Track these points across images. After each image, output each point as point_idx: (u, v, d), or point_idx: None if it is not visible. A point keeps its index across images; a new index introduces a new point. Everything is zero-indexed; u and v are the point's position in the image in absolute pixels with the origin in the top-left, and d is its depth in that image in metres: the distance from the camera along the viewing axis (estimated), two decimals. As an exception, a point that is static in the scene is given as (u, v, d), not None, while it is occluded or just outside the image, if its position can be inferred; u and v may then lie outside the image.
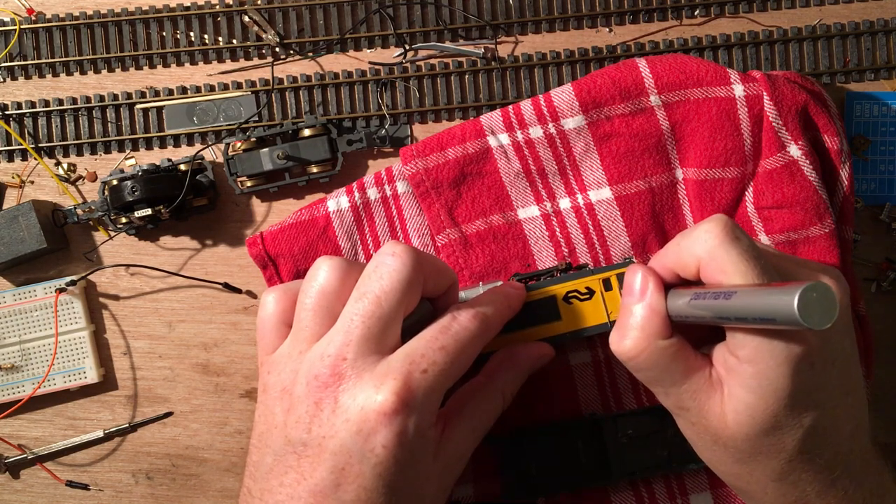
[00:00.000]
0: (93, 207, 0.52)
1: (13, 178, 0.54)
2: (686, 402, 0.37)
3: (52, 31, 0.54)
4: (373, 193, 0.50)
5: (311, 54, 0.54)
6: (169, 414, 0.53)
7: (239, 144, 0.52)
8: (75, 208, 0.52)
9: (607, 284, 0.43)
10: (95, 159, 0.54)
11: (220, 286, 0.53)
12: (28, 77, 0.54)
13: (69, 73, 0.54)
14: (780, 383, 0.34)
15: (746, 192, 0.48)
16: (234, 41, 0.54)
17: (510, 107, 0.50)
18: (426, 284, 0.39)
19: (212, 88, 0.54)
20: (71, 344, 0.52)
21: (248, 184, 0.52)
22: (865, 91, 0.52)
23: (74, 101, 0.54)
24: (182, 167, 0.51)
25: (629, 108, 0.48)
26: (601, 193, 0.49)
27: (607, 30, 0.54)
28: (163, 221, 0.51)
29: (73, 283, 0.51)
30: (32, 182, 0.54)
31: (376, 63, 0.53)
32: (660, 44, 0.53)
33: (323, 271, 0.38)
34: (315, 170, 0.52)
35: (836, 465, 0.37)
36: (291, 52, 0.54)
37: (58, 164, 0.54)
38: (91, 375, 0.52)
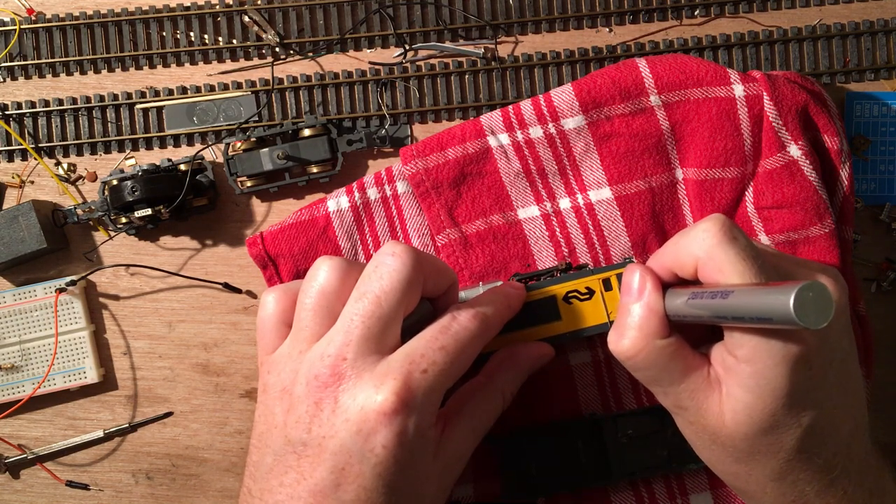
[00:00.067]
0: (93, 207, 0.52)
1: (13, 178, 0.54)
2: (684, 401, 0.37)
3: (52, 31, 0.54)
4: (373, 193, 0.50)
5: (311, 54, 0.54)
6: (169, 414, 0.53)
7: (239, 144, 0.52)
8: (75, 208, 0.52)
9: (607, 284, 0.43)
10: (95, 159, 0.54)
11: (220, 286, 0.53)
12: (28, 77, 0.54)
13: (69, 73, 0.54)
14: (778, 383, 0.34)
15: (746, 192, 0.48)
16: (234, 41, 0.54)
17: (510, 107, 0.50)
18: (426, 284, 0.39)
19: (212, 88, 0.54)
20: (71, 344, 0.52)
21: (248, 184, 0.52)
22: (865, 91, 0.52)
23: (74, 101, 0.54)
24: (182, 167, 0.51)
25: (629, 108, 0.48)
26: (601, 193, 0.49)
27: (607, 30, 0.54)
28: (163, 221, 0.51)
29: (73, 283, 0.51)
30: (32, 182, 0.54)
31: (376, 63, 0.53)
32: (660, 44, 0.53)
33: (323, 271, 0.38)
34: (315, 170, 0.52)
35: (835, 465, 0.37)
36: (291, 52, 0.54)
37: (58, 164, 0.54)
38: (91, 375, 0.52)
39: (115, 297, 0.53)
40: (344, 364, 0.36)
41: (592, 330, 0.44)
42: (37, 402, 0.52)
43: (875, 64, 0.53)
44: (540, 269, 0.49)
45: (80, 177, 0.54)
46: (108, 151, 0.54)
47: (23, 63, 0.54)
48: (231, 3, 0.54)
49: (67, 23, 0.54)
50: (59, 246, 0.52)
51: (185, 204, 0.51)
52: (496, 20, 0.53)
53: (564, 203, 0.49)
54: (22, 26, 0.54)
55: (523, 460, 0.46)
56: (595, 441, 0.46)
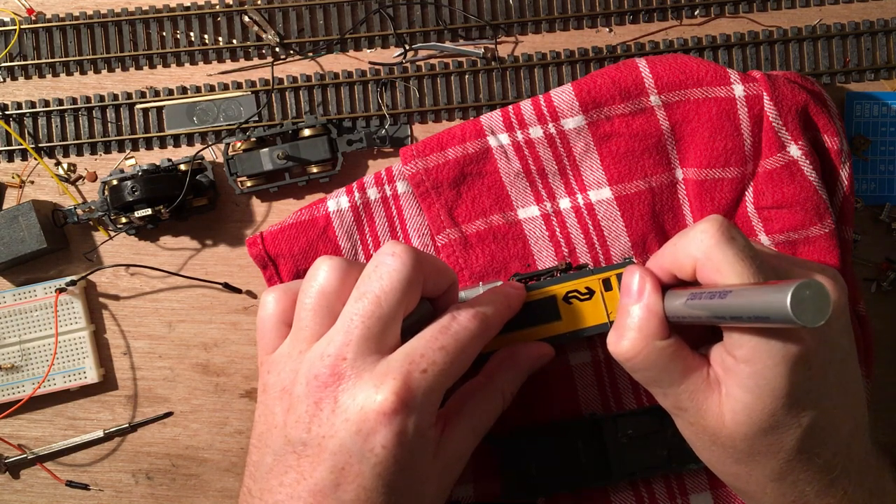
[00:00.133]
0: (93, 207, 0.52)
1: (13, 178, 0.54)
2: (684, 402, 0.37)
3: (52, 31, 0.54)
4: (373, 193, 0.50)
5: (311, 54, 0.54)
6: (169, 414, 0.53)
7: (239, 144, 0.52)
8: (75, 208, 0.52)
9: (607, 284, 0.43)
10: (95, 159, 0.54)
11: (220, 286, 0.53)
12: (28, 77, 0.54)
13: (69, 73, 0.54)
14: (778, 383, 0.34)
15: (746, 192, 0.48)
16: (234, 41, 0.54)
17: (510, 107, 0.50)
18: (426, 284, 0.39)
19: (212, 88, 0.54)
20: (71, 344, 0.52)
21: (248, 184, 0.52)
22: (865, 91, 0.52)
23: (74, 101, 0.54)
24: (182, 167, 0.51)
25: (629, 108, 0.48)
26: (601, 193, 0.49)
27: (607, 30, 0.54)
28: (163, 221, 0.51)
29: (73, 283, 0.51)
30: (32, 182, 0.54)
31: (376, 63, 0.53)
32: (660, 44, 0.53)
33: (323, 271, 0.38)
34: (315, 170, 0.52)
35: (835, 465, 0.37)
36: (291, 52, 0.54)
37: (58, 164, 0.54)
38: (91, 375, 0.52)
39: (115, 297, 0.53)
40: (344, 364, 0.36)
41: (592, 330, 0.44)
42: (37, 402, 0.52)
43: (875, 64, 0.53)
44: (540, 269, 0.49)
45: (80, 177, 0.54)
46: (108, 151, 0.54)
47: (23, 63, 0.54)
48: (231, 3, 0.54)
49: (67, 23, 0.54)
50: (59, 246, 0.52)
51: (185, 204, 0.51)
52: (496, 20, 0.53)
53: (564, 203, 0.49)
54: (22, 26, 0.54)
55: (523, 460, 0.46)
56: (595, 441, 0.46)
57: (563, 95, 0.48)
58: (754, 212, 0.48)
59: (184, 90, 0.54)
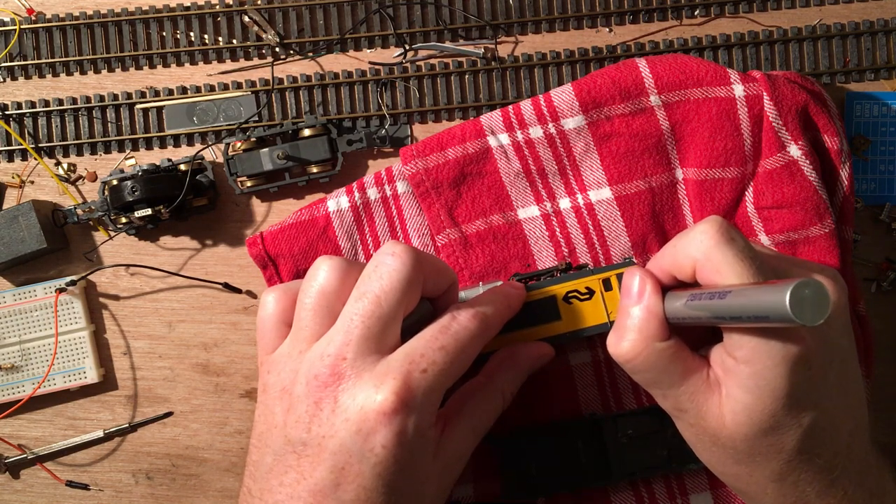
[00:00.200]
0: (93, 207, 0.52)
1: (13, 178, 0.54)
2: (684, 403, 0.37)
3: (52, 31, 0.54)
4: (373, 193, 0.50)
5: (311, 54, 0.54)
6: (169, 414, 0.53)
7: (239, 144, 0.52)
8: (75, 208, 0.52)
9: (607, 284, 0.43)
10: (95, 159, 0.54)
11: (220, 286, 0.53)
12: (28, 77, 0.54)
13: (69, 73, 0.54)
14: (778, 383, 0.34)
15: (746, 192, 0.48)
16: (234, 41, 0.54)
17: (510, 107, 0.50)
18: (426, 284, 0.39)
19: (212, 88, 0.54)
20: (71, 344, 0.52)
21: (248, 184, 0.52)
22: (865, 91, 0.52)
23: (74, 101, 0.54)
24: (182, 167, 0.51)
25: (629, 108, 0.48)
26: (601, 193, 0.49)
27: (607, 30, 0.54)
28: (163, 221, 0.51)
29: (73, 283, 0.51)
30: (32, 182, 0.54)
31: (376, 63, 0.53)
32: (660, 44, 0.53)
33: (323, 271, 0.38)
34: (315, 170, 0.52)
35: (835, 466, 0.37)
36: (291, 52, 0.54)
37: (58, 164, 0.54)
38: (91, 375, 0.52)
39: (115, 297, 0.53)
40: (344, 364, 0.36)
41: (592, 330, 0.43)
42: (37, 402, 0.52)
43: (875, 64, 0.53)
44: (540, 269, 0.49)
45: (80, 177, 0.54)
46: (108, 151, 0.54)
47: (23, 63, 0.54)
48: (231, 3, 0.54)
49: (67, 23, 0.54)
50: (59, 246, 0.52)
51: (185, 204, 0.51)
52: (496, 20, 0.53)
53: (564, 203, 0.49)
54: (22, 26, 0.54)
55: (523, 460, 0.46)
56: (595, 441, 0.46)
57: (563, 95, 0.48)
58: (754, 212, 0.48)
59: (184, 90, 0.54)
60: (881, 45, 0.53)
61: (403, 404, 0.35)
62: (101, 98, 0.53)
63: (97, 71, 0.54)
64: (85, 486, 0.52)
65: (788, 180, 0.46)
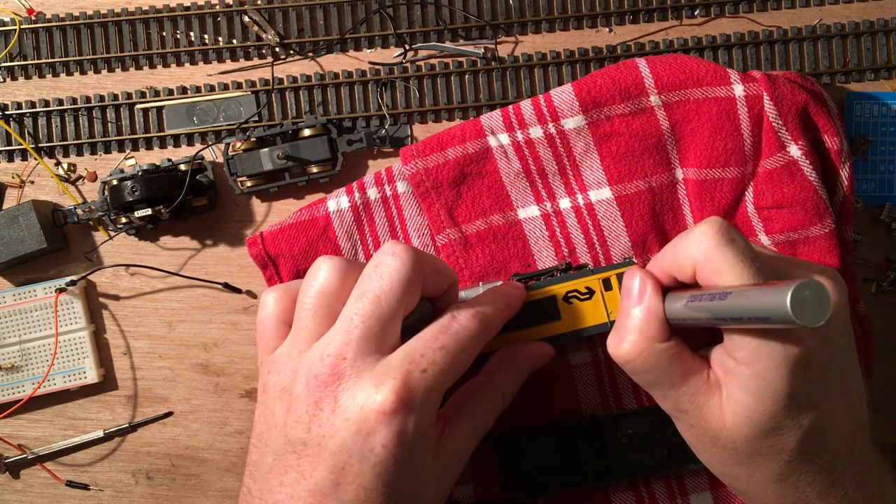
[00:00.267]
0: (93, 207, 0.52)
1: (13, 178, 0.54)
2: (684, 404, 0.37)
3: (52, 31, 0.54)
4: (373, 193, 0.50)
5: (311, 54, 0.54)
6: (169, 414, 0.53)
7: (239, 144, 0.52)
8: (75, 208, 0.52)
9: (607, 284, 0.43)
10: (95, 159, 0.54)
11: (220, 286, 0.53)
12: (28, 77, 0.54)
13: (69, 73, 0.54)
14: (778, 384, 0.34)
15: (746, 192, 0.48)
16: (234, 41, 0.54)
17: (510, 107, 0.50)
18: (426, 284, 0.39)
19: (212, 88, 0.54)
20: (71, 344, 0.52)
21: (248, 184, 0.52)
22: (865, 91, 0.52)
23: (74, 101, 0.54)
24: (182, 167, 0.51)
25: (629, 108, 0.48)
26: (601, 193, 0.49)
27: (607, 30, 0.54)
28: (163, 221, 0.51)
29: (73, 283, 0.51)
30: (32, 182, 0.54)
31: (376, 63, 0.53)
32: (660, 44, 0.53)
33: (323, 271, 0.38)
34: (315, 170, 0.52)
35: (835, 466, 0.37)
36: (291, 52, 0.54)
37: (58, 164, 0.54)
38: (91, 375, 0.52)
39: (115, 297, 0.53)
40: (344, 364, 0.36)
41: (592, 330, 0.44)
42: (37, 402, 0.52)
43: (875, 64, 0.53)
44: (540, 269, 0.49)
45: (80, 177, 0.54)
46: (108, 151, 0.54)
47: (23, 63, 0.54)
48: (231, 3, 0.54)
49: (67, 23, 0.54)
50: (59, 246, 0.52)
51: (185, 204, 0.51)
52: (496, 20, 0.53)
53: (564, 203, 0.49)
54: (22, 26, 0.54)
55: (523, 460, 0.46)
56: (595, 441, 0.46)
57: (563, 95, 0.48)
58: (754, 212, 0.48)
59: (184, 90, 0.54)
60: (881, 45, 0.53)
61: (403, 404, 0.35)
62: (101, 98, 0.53)
63: (97, 71, 0.54)
64: (85, 486, 0.52)
65: (788, 180, 0.46)
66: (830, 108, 0.48)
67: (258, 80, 0.53)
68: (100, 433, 0.52)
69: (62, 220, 0.52)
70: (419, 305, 0.39)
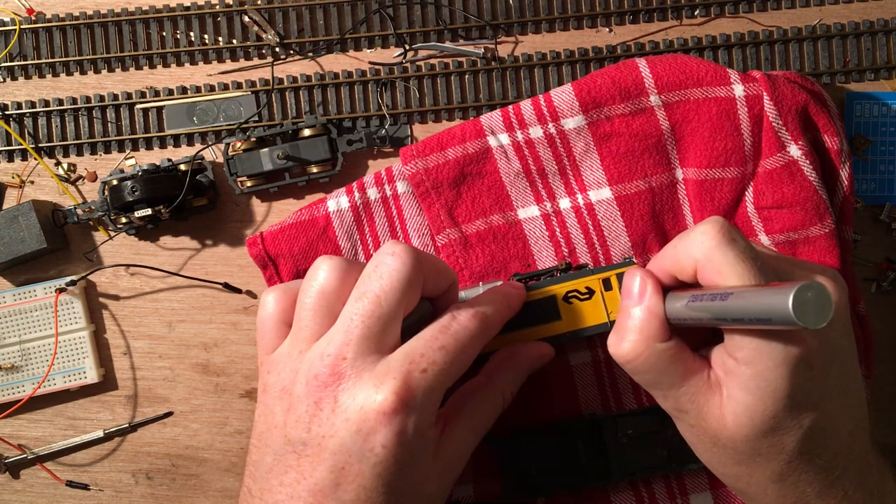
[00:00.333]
0: (93, 207, 0.52)
1: (13, 178, 0.54)
2: (685, 404, 0.37)
3: (52, 31, 0.54)
4: (373, 193, 0.50)
5: (311, 54, 0.54)
6: (169, 414, 0.53)
7: (239, 144, 0.52)
8: (75, 208, 0.52)
9: (607, 284, 0.43)
10: (95, 159, 0.54)
11: (220, 286, 0.53)
12: (28, 77, 0.54)
13: (69, 73, 0.54)
14: (779, 384, 0.34)
15: (746, 192, 0.48)
16: (234, 41, 0.54)
17: (510, 107, 0.50)
18: (426, 284, 0.39)
19: (212, 88, 0.54)
20: (71, 344, 0.52)
21: (248, 184, 0.52)
22: (865, 91, 0.52)
23: (74, 101, 0.54)
24: (182, 167, 0.51)
25: (629, 108, 0.48)
26: (601, 193, 0.49)
27: (607, 30, 0.54)
28: (163, 221, 0.51)
29: (73, 283, 0.51)
30: (32, 182, 0.54)
31: (376, 63, 0.53)
32: (660, 44, 0.53)
33: (323, 271, 0.38)
34: (315, 170, 0.52)
35: (835, 466, 0.37)
36: (291, 52, 0.54)
37: (58, 164, 0.54)
38: (91, 375, 0.52)
39: (115, 297, 0.53)
40: (344, 363, 0.36)
41: (592, 330, 0.44)
42: (37, 402, 0.52)
43: (875, 64, 0.53)
44: (540, 269, 0.49)
45: (80, 177, 0.54)
46: (108, 151, 0.54)
47: (23, 63, 0.54)
48: (231, 3, 0.54)
49: (67, 23, 0.54)
50: (59, 246, 0.52)
51: (185, 204, 0.51)
52: (496, 20, 0.53)
53: (564, 203, 0.49)
54: (22, 26, 0.54)
55: (523, 460, 0.46)
56: (595, 441, 0.46)
57: (563, 95, 0.48)
58: (754, 212, 0.48)
59: (184, 90, 0.54)
60: (881, 45, 0.53)
61: (403, 404, 0.35)
62: (101, 98, 0.53)
63: (97, 71, 0.54)
64: (85, 486, 0.52)
65: (788, 180, 0.46)
66: (830, 108, 0.48)
67: (258, 80, 0.53)
68: (100, 433, 0.52)
69: (62, 220, 0.52)
70: (419, 305, 0.39)
